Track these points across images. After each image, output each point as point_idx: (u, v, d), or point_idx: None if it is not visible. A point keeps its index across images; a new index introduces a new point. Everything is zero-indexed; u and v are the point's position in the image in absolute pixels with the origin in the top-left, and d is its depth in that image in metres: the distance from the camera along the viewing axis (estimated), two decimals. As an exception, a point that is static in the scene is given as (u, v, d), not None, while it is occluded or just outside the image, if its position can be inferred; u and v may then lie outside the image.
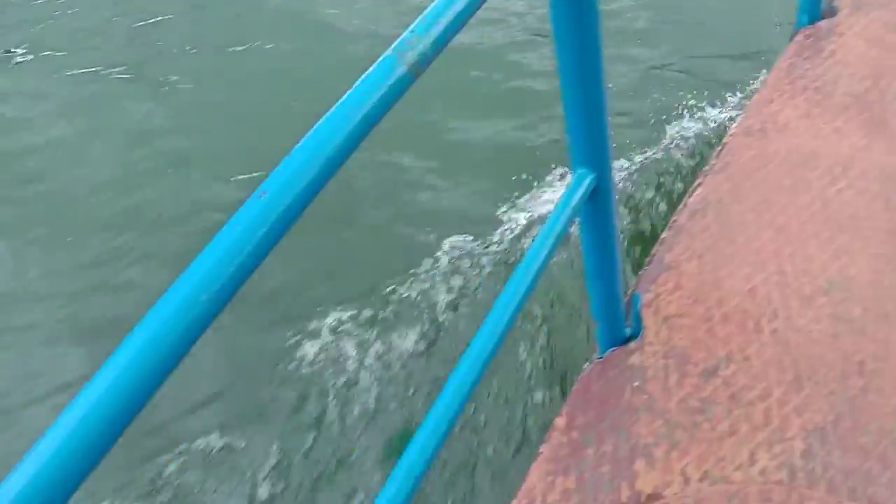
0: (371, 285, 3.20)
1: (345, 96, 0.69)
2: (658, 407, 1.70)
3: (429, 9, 0.79)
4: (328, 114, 0.68)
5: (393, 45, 0.74)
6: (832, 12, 2.69)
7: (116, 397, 0.53)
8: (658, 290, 1.91)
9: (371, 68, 0.72)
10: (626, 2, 4.83)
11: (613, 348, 1.80)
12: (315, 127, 0.67)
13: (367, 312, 3.08)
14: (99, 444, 0.52)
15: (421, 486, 1.06)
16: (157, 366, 0.55)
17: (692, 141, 3.52)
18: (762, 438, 1.64)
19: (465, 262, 3.24)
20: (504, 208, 3.46)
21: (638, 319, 1.86)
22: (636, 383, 1.74)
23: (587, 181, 1.38)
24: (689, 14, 4.66)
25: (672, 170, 3.37)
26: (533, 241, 1.42)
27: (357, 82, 0.70)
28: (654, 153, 3.51)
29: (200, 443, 2.69)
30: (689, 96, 3.82)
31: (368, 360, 2.90)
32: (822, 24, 2.63)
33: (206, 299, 0.58)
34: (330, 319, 3.08)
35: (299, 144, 0.65)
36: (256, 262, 0.62)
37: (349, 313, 3.10)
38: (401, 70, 0.73)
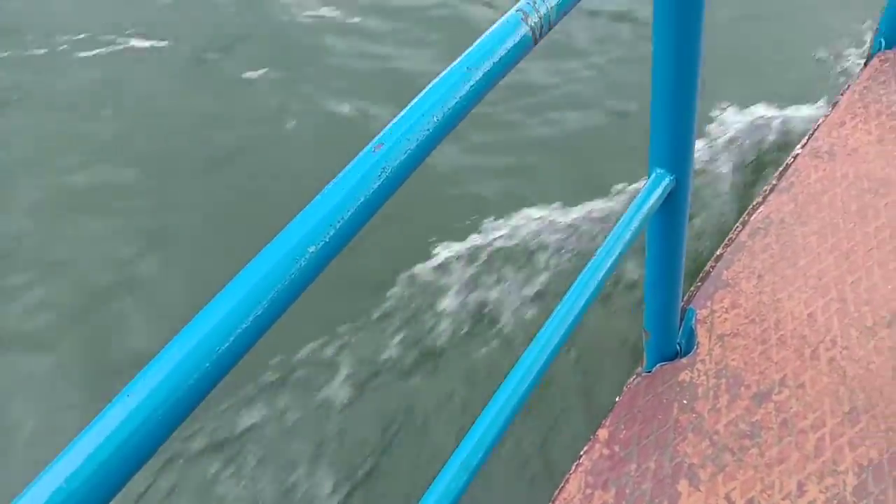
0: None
1: (465, 53, 0.65)
2: (706, 427, 1.64)
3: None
4: (448, 70, 0.64)
5: (517, 6, 0.69)
6: (910, 39, 2.60)
7: (214, 343, 0.48)
8: (714, 307, 1.85)
9: (493, 27, 0.67)
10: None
11: (663, 363, 1.74)
12: (434, 83, 0.62)
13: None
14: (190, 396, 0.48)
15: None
16: (258, 318, 0.51)
17: (749, 157, 3.43)
18: (813, 469, 1.57)
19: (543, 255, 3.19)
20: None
21: (691, 335, 1.80)
22: (685, 401, 1.68)
23: (665, 182, 1.32)
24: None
25: (724, 186, 3.28)
26: (603, 242, 1.36)
27: (478, 41, 0.66)
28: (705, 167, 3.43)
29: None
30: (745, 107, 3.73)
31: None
32: (900, 50, 2.55)
33: (314, 251, 0.53)
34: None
35: (416, 100, 0.61)
36: (367, 216, 0.57)
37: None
38: (523, 31, 0.68)
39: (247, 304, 0.50)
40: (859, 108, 2.34)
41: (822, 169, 2.16)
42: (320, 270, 0.54)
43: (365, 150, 0.58)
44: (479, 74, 0.64)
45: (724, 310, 1.84)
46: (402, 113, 0.60)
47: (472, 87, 0.63)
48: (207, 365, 0.47)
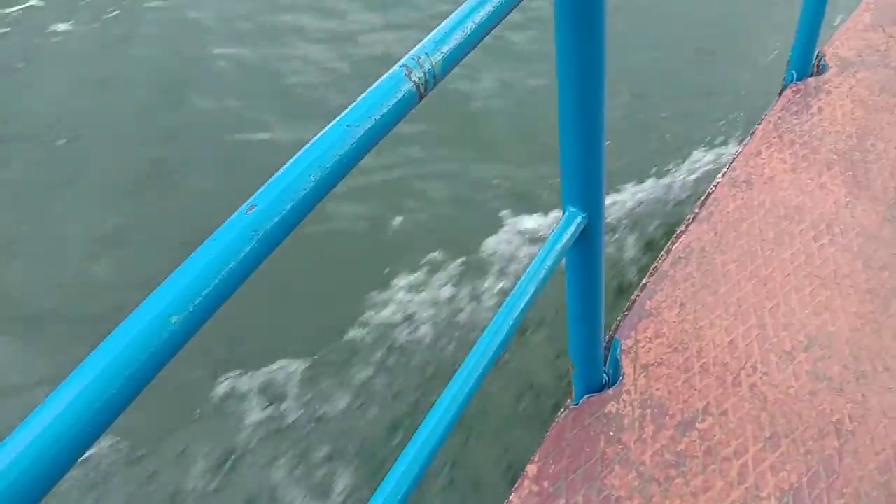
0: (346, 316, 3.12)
1: (346, 110, 0.64)
2: (632, 458, 1.65)
3: (440, 26, 0.75)
4: (327, 127, 0.63)
5: (401, 62, 0.69)
6: (821, 70, 2.71)
7: (65, 428, 0.46)
8: (638, 337, 1.87)
9: (376, 84, 0.67)
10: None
11: (590, 395, 1.75)
12: (312, 141, 0.61)
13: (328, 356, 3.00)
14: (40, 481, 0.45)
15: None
16: (115, 396, 0.49)
17: (676, 186, 3.52)
18: (737, 497, 1.60)
19: (456, 293, 3.17)
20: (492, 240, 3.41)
21: (616, 366, 1.82)
22: (611, 432, 1.69)
23: (578, 220, 1.34)
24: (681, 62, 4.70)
25: (653, 214, 3.36)
26: (519, 279, 1.37)
27: (360, 98, 0.65)
28: (635, 195, 3.50)
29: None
30: (675, 143, 3.84)
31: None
32: (811, 80, 2.66)
33: (176, 321, 0.51)
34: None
35: (293, 159, 0.60)
36: (237, 282, 0.56)
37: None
38: (407, 88, 0.68)
39: (101, 382, 0.48)
40: (774, 137, 2.42)
41: (741, 198, 2.22)
42: (184, 342, 0.52)
43: (237, 212, 0.57)
44: (360, 132, 0.63)
45: (647, 339, 1.87)
46: (277, 172, 0.59)
47: (353, 145, 0.63)
48: (55, 453, 0.45)
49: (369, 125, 0.64)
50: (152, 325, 0.50)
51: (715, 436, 1.68)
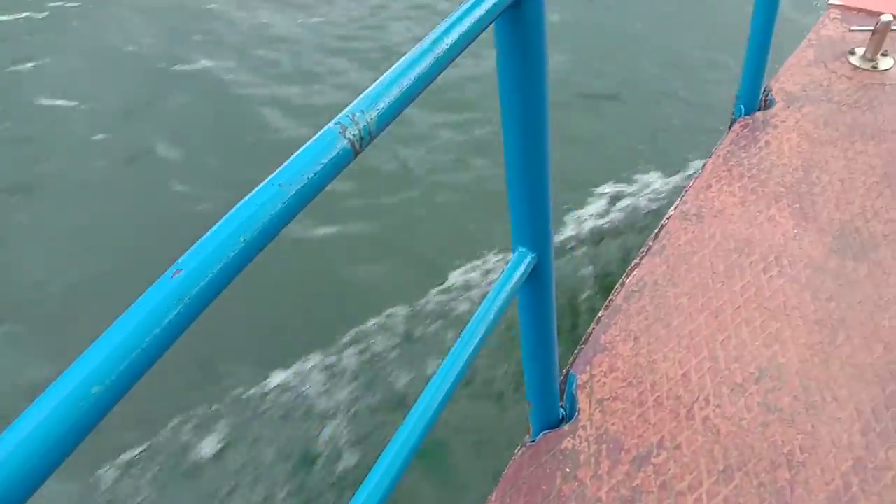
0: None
1: (278, 170, 0.64)
2: (588, 495, 1.65)
3: (376, 83, 0.75)
4: (259, 187, 0.63)
5: (335, 119, 0.70)
6: (768, 105, 2.79)
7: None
8: (593, 372, 1.88)
9: (309, 142, 0.67)
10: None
11: (546, 431, 1.76)
12: (243, 201, 0.61)
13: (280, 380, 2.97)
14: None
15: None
16: (34, 471, 0.47)
17: (631, 219, 3.58)
18: (692, 531, 1.61)
19: (407, 331, 3.16)
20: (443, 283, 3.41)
21: (572, 401, 1.83)
22: (567, 469, 1.69)
23: (527, 260, 1.36)
24: (635, 97, 4.80)
25: (611, 247, 3.41)
26: (471, 318, 1.38)
27: (293, 156, 0.65)
28: (592, 229, 3.55)
29: None
30: (631, 175, 3.91)
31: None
32: (759, 115, 2.73)
33: (98, 391, 0.50)
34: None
35: (222, 220, 0.59)
36: (162, 349, 0.55)
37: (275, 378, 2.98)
38: (341, 145, 0.68)
39: (19, 457, 0.47)
40: (723, 171, 2.48)
41: (692, 231, 2.26)
42: (106, 412, 0.51)
43: (162, 276, 0.56)
44: (292, 191, 0.63)
45: (602, 374, 1.88)
46: (205, 234, 0.59)
47: (284, 204, 0.63)
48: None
49: (302, 184, 0.64)
50: (73, 395, 0.50)
51: (670, 470, 1.69)
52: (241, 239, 0.59)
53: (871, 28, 2.93)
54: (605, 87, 4.87)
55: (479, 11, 0.91)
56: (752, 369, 1.88)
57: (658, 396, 1.83)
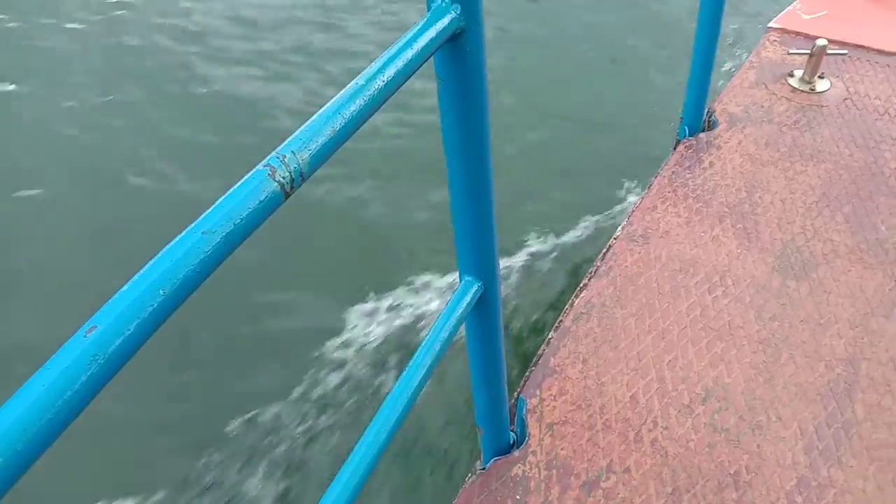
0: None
1: (202, 217, 0.62)
2: None
3: (308, 122, 0.73)
4: (181, 234, 0.60)
5: (264, 161, 0.67)
6: (711, 126, 2.85)
7: None
8: (543, 395, 1.88)
9: (236, 186, 0.65)
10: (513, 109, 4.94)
11: (497, 458, 1.74)
12: (163, 251, 0.59)
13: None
14: None
15: None
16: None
17: (579, 242, 3.61)
18: (642, 555, 1.61)
19: (351, 356, 3.12)
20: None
21: (523, 425, 1.82)
22: (518, 496, 1.67)
23: (474, 289, 1.35)
24: (580, 124, 4.86)
25: (562, 269, 3.43)
26: (419, 346, 1.36)
27: (218, 201, 0.63)
28: (545, 249, 3.57)
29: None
30: (577, 199, 3.95)
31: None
32: (702, 136, 2.78)
33: (2, 462, 0.47)
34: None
35: (140, 273, 0.57)
36: (75, 412, 0.52)
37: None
38: (270, 188, 0.66)
39: None
40: (668, 192, 2.52)
41: (638, 252, 2.29)
42: (13, 483, 0.48)
43: (75, 334, 0.53)
44: (217, 238, 0.61)
45: (552, 397, 1.88)
46: (122, 288, 0.56)
47: (209, 253, 0.60)
48: None
49: (228, 230, 0.62)
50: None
51: (619, 494, 1.69)
52: (161, 292, 0.56)
53: (808, 51, 3.02)
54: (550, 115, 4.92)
55: (418, 46, 0.90)
56: (698, 390, 1.90)
57: (607, 419, 1.83)
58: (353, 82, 0.80)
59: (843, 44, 3.30)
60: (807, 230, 2.37)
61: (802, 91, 3.05)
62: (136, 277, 0.57)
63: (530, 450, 1.77)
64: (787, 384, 1.91)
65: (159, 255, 0.58)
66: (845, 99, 3.00)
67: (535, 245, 3.72)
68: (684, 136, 2.78)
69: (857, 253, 2.29)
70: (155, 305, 0.56)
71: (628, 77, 5.28)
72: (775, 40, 3.39)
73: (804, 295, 2.15)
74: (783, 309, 2.10)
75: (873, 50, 3.27)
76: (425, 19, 0.93)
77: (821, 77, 3.09)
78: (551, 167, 4.40)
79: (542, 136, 4.66)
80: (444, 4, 0.94)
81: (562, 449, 1.77)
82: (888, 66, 3.19)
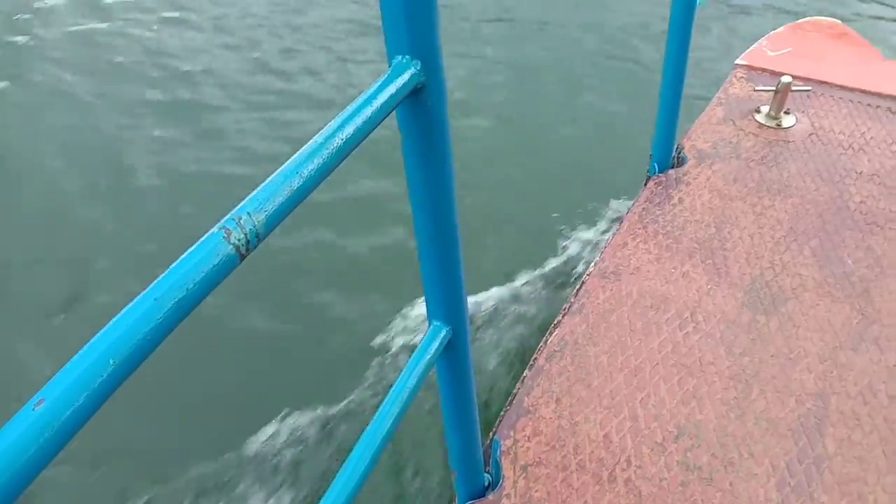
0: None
1: (154, 283, 0.62)
2: None
3: (265, 182, 0.74)
4: (133, 302, 0.60)
5: (219, 223, 0.68)
6: (680, 162, 2.89)
7: None
8: (517, 437, 1.88)
9: (190, 250, 0.65)
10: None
11: (471, 501, 1.73)
12: (114, 320, 0.59)
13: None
14: None
15: None
16: None
17: (553, 280, 3.64)
18: None
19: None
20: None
21: (497, 467, 1.81)
22: None
23: (442, 334, 1.35)
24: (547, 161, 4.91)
25: (535, 307, 3.44)
26: (389, 390, 1.36)
27: (171, 267, 0.63)
28: (519, 288, 3.59)
29: None
30: (549, 237, 3.99)
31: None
32: (672, 172, 2.83)
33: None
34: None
35: (89, 343, 0.57)
36: (23, 485, 0.51)
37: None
38: (225, 252, 0.66)
39: None
40: (639, 228, 2.55)
41: (610, 289, 2.31)
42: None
43: (23, 408, 0.53)
44: (169, 304, 0.61)
45: (526, 438, 1.88)
46: (71, 359, 0.56)
47: (161, 320, 0.60)
48: None
49: (181, 295, 0.62)
50: None
51: None
52: (111, 362, 0.56)
53: (774, 88, 3.10)
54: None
55: (378, 102, 0.91)
56: (671, 427, 1.91)
57: (581, 459, 1.83)
58: (311, 140, 0.81)
59: (807, 80, 3.38)
60: (775, 265, 2.40)
61: (769, 127, 3.11)
62: (85, 347, 0.57)
63: (504, 492, 1.76)
64: (758, 420, 1.92)
65: (109, 323, 0.58)
66: (811, 134, 3.07)
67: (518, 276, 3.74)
68: (654, 173, 2.82)
69: (825, 287, 2.32)
70: (105, 376, 0.56)
71: (595, 119, 5.36)
72: (742, 77, 3.46)
73: (774, 330, 2.17)
74: (753, 344, 2.13)
75: (836, 86, 3.36)
76: (386, 75, 0.94)
77: (787, 113, 3.16)
78: (524, 204, 4.44)
79: (511, 175, 4.70)
80: (404, 61, 0.96)
81: (536, 491, 1.76)
82: (851, 101, 3.27)
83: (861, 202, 2.67)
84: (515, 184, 4.61)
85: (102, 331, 0.58)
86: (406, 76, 0.95)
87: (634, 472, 1.80)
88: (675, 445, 1.87)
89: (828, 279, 2.35)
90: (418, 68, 0.97)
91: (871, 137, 3.04)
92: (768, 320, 2.20)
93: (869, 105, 3.25)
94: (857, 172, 2.83)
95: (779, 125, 3.11)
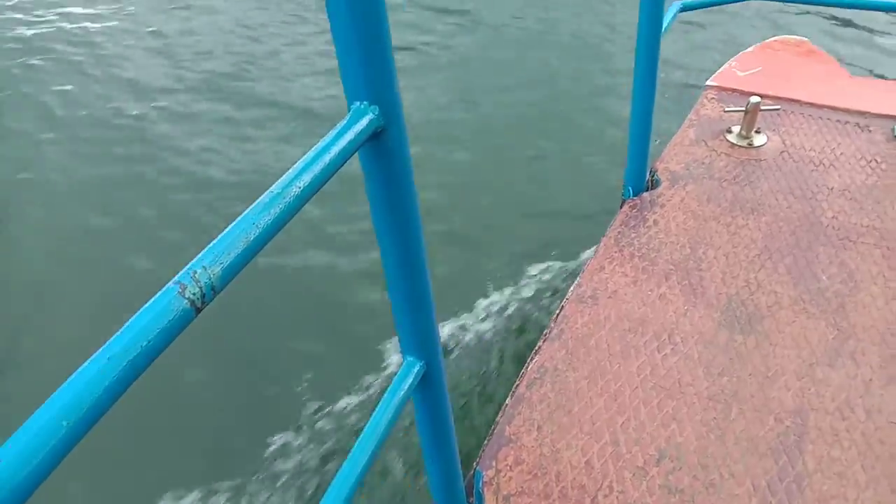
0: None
1: (107, 342, 0.63)
2: None
3: (220, 235, 0.76)
4: (83, 365, 0.61)
5: (174, 278, 0.69)
6: (654, 185, 2.93)
7: None
8: (499, 466, 1.88)
9: (145, 306, 0.66)
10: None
11: (453, 533, 1.73)
12: (68, 380, 0.59)
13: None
14: None
15: None
16: None
17: (531, 306, 3.66)
18: None
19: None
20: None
21: (480, 499, 1.81)
22: None
23: (416, 369, 1.36)
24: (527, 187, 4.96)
25: (511, 334, 3.46)
26: (365, 425, 1.37)
27: (125, 325, 0.64)
28: (498, 316, 3.61)
29: None
30: (528, 262, 4.02)
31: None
32: (646, 195, 2.86)
33: None
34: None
35: (44, 405, 0.57)
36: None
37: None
38: (180, 306, 0.67)
39: None
40: (615, 252, 2.57)
41: (588, 313, 2.32)
42: None
43: (-25, 475, 0.54)
44: (123, 362, 0.62)
45: (508, 468, 1.88)
46: (25, 423, 0.57)
47: (115, 378, 0.61)
48: None
49: (135, 353, 0.63)
50: None
51: None
52: (64, 424, 0.57)
53: (744, 108, 3.15)
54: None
55: (338, 147, 0.93)
56: (651, 451, 1.91)
57: (563, 487, 1.83)
58: (268, 190, 0.82)
59: (777, 98, 3.44)
60: (751, 283, 2.43)
61: (741, 146, 3.16)
62: (39, 410, 0.58)
63: (487, 523, 1.76)
64: (738, 439, 1.93)
65: (63, 385, 0.59)
66: (782, 152, 3.11)
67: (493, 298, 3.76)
68: (628, 196, 2.85)
69: (801, 303, 2.35)
70: (59, 438, 0.57)
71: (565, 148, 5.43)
72: (713, 98, 3.52)
73: (751, 348, 2.19)
74: (731, 363, 2.14)
75: (805, 103, 3.42)
76: (344, 122, 0.96)
77: (757, 132, 3.21)
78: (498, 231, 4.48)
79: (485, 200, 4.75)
80: (362, 106, 0.98)
81: None
82: (820, 118, 3.33)
83: (833, 217, 2.72)
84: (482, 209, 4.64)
85: (56, 392, 0.59)
86: (364, 122, 0.97)
87: (617, 497, 1.81)
88: (657, 469, 1.87)
89: (803, 296, 2.38)
90: (377, 113, 0.99)
91: (841, 153, 3.09)
92: (745, 339, 2.22)
93: (838, 121, 3.31)
94: (828, 188, 2.88)
95: (750, 144, 3.16)
